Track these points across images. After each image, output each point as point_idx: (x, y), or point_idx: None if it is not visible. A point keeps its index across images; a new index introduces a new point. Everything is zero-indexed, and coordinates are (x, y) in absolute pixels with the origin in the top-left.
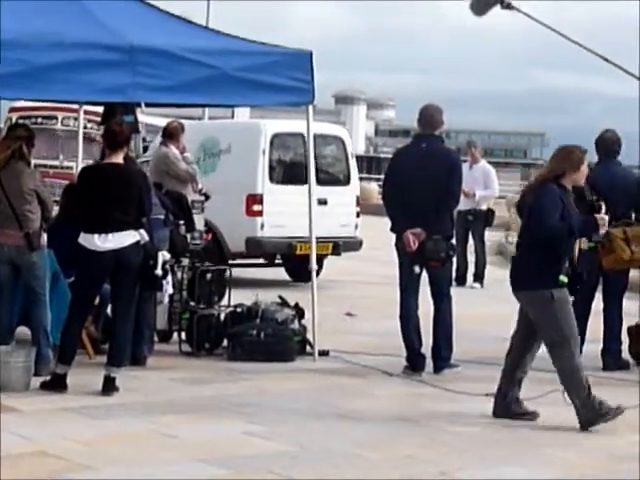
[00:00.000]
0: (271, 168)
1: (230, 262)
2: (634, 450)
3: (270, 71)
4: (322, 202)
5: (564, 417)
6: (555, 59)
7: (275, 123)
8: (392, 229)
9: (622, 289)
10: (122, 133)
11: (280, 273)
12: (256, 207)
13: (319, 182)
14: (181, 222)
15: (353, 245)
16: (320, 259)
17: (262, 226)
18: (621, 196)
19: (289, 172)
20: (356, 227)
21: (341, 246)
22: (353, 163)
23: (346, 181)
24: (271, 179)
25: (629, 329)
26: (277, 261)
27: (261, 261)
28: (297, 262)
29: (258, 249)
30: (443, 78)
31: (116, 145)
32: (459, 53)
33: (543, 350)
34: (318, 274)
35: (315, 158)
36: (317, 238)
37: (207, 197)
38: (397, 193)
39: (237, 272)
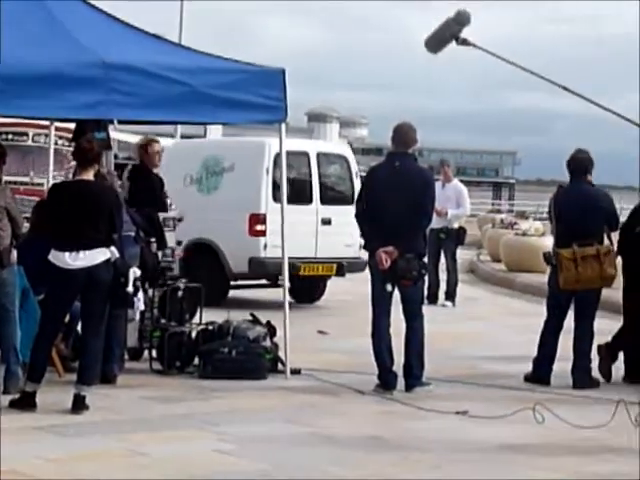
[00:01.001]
0: (275, 187)
1: (232, 283)
2: (604, 469)
3: (243, 89)
4: (326, 222)
5: (534, 435)
6: (524, 80)
7: (278, 142)
8: (365, 247)
9: (593, 307)
10: (92, 150)
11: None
12: (259, 227)
13: (323, 201)
14: (152, 239)
15: (358, 266)
16: (324, 280)
17: (265, 246)
18: (590, 214)
19: (293, 191)
20: (360, 247)
21: (345, 267)
22: (358, 182)
23: (350, 200)
24: (275, 198)
25: (599, 347)
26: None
27: (263, 282)
28: (300, 283)
29: (261, 270)
30: (416, 97)
31: (86, 162)
32: (432, 73)
33: (515, 369)
34: (321, 295)
35: (319, 177)
36: (321, 259)
37: (180, 219)
38: (370, 211)
39: (238, 293)
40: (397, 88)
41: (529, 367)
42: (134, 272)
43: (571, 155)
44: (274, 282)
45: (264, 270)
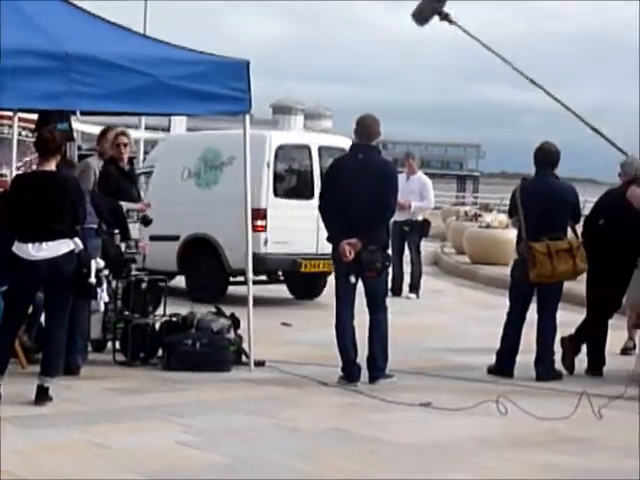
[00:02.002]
0: (275, 181)
1: (231, 280)
2: (566, 460)
3: (207, 80)
4: None
5: (497, 426)
6: (490, 73)
7: (280, 134)
8: (328, 239)
9: (556, 300)
10: (53, 140)
11: (278, 290)
12: (259, 222)
13: None
14: (116, 231)
15: None
16: (324, 276)
17: (266, 242)
18: (558, 208)
19: (294, 186)
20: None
21: None
22: None
23: None
24: (275, 193)
25: (562, 340)
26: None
27: (263, 278)
28: (301, 279)
29: (261, 266)
30: (381, 90)
31: (48, 152)
32: (396, 66)
33: (479, 361)
34: (320, 292)
35: (321, 171)
36: (322, 255)
37: (147, 221)
38: (333, 203)
39: (235, 289)
40: (362, 81)
41: (492, 359)
42: (97, 263)
43: (538, 147)
44: (274, 278)
45: (264, 266)
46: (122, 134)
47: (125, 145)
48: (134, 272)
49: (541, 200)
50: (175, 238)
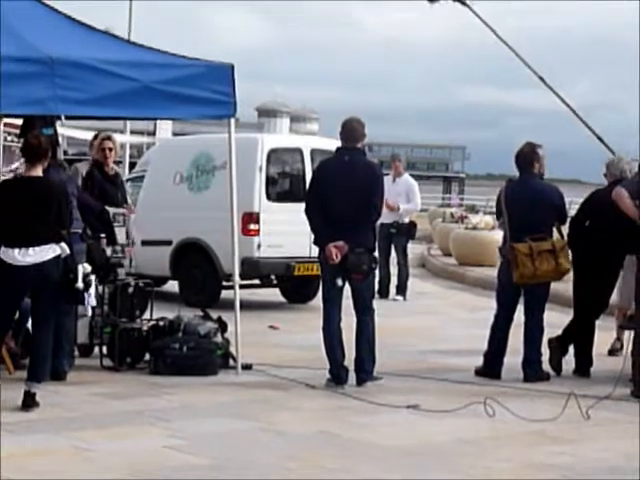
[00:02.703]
0: (268, 185)
1: (224, 284)
2: (554, 461)
3: (191, 84)
4: None
5: (485, 428)
6: (475, 74)
7: (272, 138)
8: (315, 242)
9: (543, 300)
10: (39, 146)
11: (271, 294)
12: (252, 226)
13: None
14: (102, 235)
15: None
16: (317, 280)
17: (259, 246)
18: (541, 209)
19: (287, 189)
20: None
21: None
22: None
23: None
24: (268, 196)
25: (550, 341)
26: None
27: (256, 282)
28: (294, 283)
29: (255, 270)
30: (367, 92)
31: (34, 158)
32: (381, 68)
33: (466, 362)
34: (314, 296)
35: None
36: (315, 258)
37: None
38: (320, 206)
39: (229, 294)
40: (347, 83)
41: (480, 361)
42: (84, 268)
43: (520, 149)
44: (266, 282)
45: (258, 271)
46: (107, 139)
47: (110, 150)
48: (121, 276)
49: (524, 201)
50: (167, 243)
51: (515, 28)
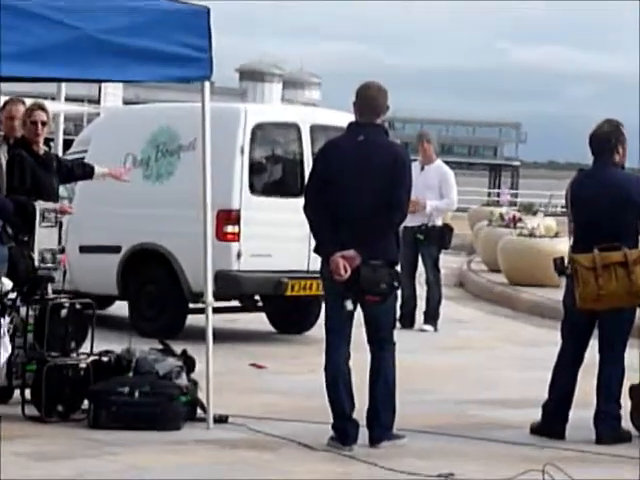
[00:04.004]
0: (252, 173)
1: (192, 306)
2: None
3: (151, 34)
4: None
5: None
6: (534, 29)
7: (258, 109)
8: (316, 251)
9: (624, 334)
10: None
11: (254, 321)
12: (230, 228)
13: None
14: (25, 238)
15: None
16: (317, 303)
17: (239, 255)
18: (619, 208)
19: (278, 179)
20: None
21: None
22: None
23: None
24: (252, 189)
25: (632, 389)
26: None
27: (235, 304)
28: (286, 307)
29: (233, 288)
30: (384, 49)
31: None
32: (406, 18)
33: (518, 417)
34: (312, 324)
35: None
36: (315, 273)
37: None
38: (324, 202)
39: (196, 319)
40: (361, 37)
41: (537, 414)
42: (3, 285)
43: (595, 128)
44: (249, 305)
45: (237, 289)
46: (39, 108)
47: (44, 124)
48: (51, 294)
49: (597, 198)
50: (115, 250)
51: None
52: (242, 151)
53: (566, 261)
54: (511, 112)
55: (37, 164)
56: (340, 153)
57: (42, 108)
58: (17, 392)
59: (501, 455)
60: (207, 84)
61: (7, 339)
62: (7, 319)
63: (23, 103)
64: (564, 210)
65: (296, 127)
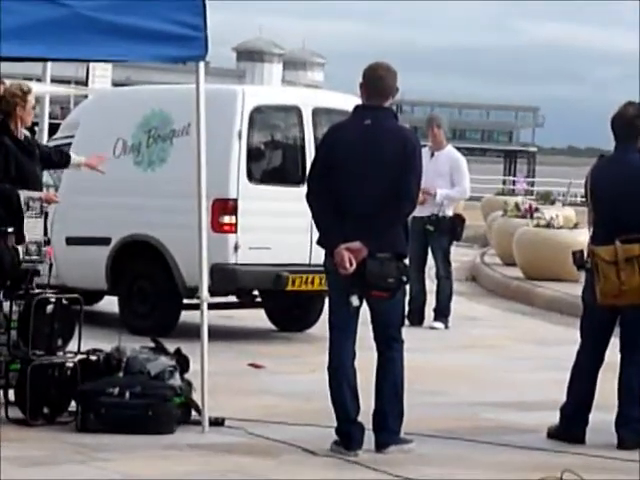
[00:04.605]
0: (250, 159)
1: (186, 302)
2: None
3: (143, 11)
4: None
5: None
6: (551, 6)
7: (257, 90)
8: (320, 242)
9: None
10: None
11: (253, 317)
12: (227, 219)
13: None
14: (10, 229)
15: None
16: (320, 298)
17: (236, 248)
18: None
19: (278, 166)
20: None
21: None
22: None
23: None
24: (250, 176)
25: None
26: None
27: (232, 300)
28: (287, 302)
29: (230, 282)
30: (391, 27)
31: None
32: None
33: (534, 420)
34: (315, 321)
35: (316, 144)
36: (318, 266)
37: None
38: (327, 190)
39: (190, 315)
40: (366, 14)
41: (555, 418)
42: None
43: (618, 111)
44: (247, 300)
45: (234, 283)
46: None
47: (32, 107)
48: (36, 289)
49: (618, 186)
50: (104, 241)
51: None
52: (239, 136)
53: (585, 254)
54: (528, 94)
55: (19, 150)
56: (345, 138)
57: (29, 91)
58: None
59: (516, 461)
60: (202, 64)
61: None
62: None
63: (3, 83)
64: (584, 199)
65: (297, 110)
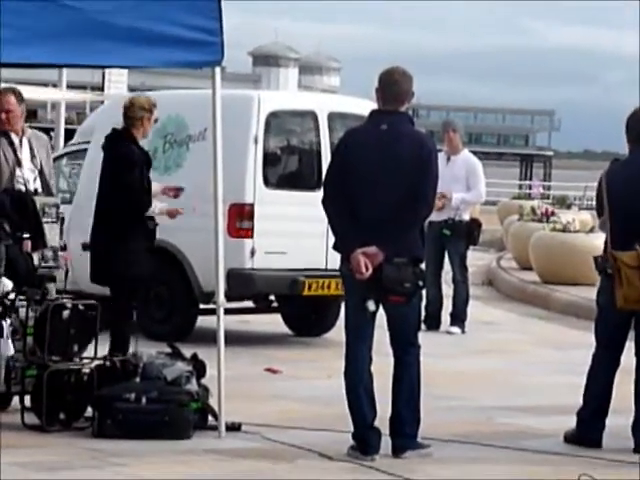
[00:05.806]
0: (266, 164)
1: (203, 307)
2: None
3: (159, 16)
4: None
5: None
6: (567, 9)
7: (273, 96)
8: (336, 247)
9: None
10: None
11: (269, 322)
12: (244, 224)
13: None
14: (25, 235)
15: None
16: (337, 303)
17: (252, 253)
18: None
19: (294, 171)
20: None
21: None
22: None
23: None
24: (266, 181)
25: None
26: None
27: (249, 305)
28: (303, 307)
29: (247, 287)
30: (407, 31)
31: None
32: None
33: (551, 424)
34: (331, 326)
35: (332, 149)
36: (334, 271)
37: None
38: (344, 195)
39: (206, 321)
40: (382, 18)
41: (572, 422)
42: (3, 285)
43: (631, 113)
44: (264, 305)
45: (251, 287)
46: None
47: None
48: (52, 295)
49: (636, 189)
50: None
51: None
52: (256, 141)
53: (605, 259)
54: (544, 98)
55: (145, 161)
56: (361, 143)
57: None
58: (16, 399)
59: (533, 465)
60: (218, 69)
61: (10, 341)
62: (8, 321)
63: (15, 93)
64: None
65: (313, 115)
